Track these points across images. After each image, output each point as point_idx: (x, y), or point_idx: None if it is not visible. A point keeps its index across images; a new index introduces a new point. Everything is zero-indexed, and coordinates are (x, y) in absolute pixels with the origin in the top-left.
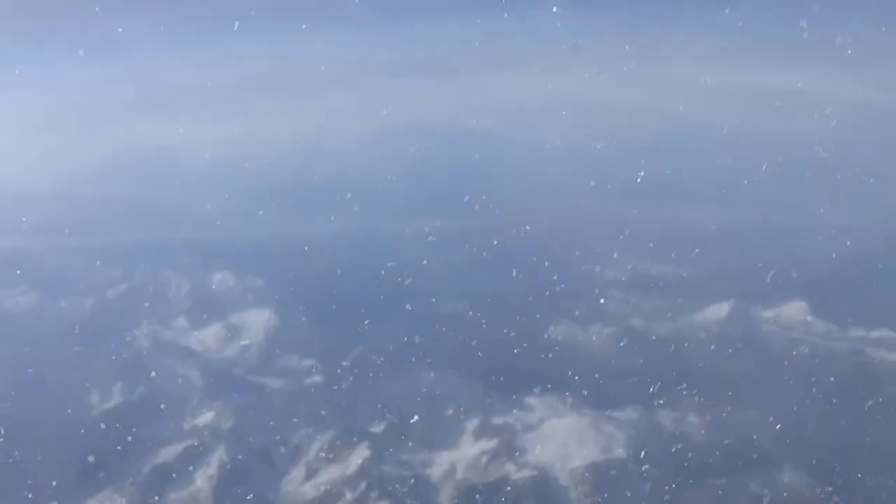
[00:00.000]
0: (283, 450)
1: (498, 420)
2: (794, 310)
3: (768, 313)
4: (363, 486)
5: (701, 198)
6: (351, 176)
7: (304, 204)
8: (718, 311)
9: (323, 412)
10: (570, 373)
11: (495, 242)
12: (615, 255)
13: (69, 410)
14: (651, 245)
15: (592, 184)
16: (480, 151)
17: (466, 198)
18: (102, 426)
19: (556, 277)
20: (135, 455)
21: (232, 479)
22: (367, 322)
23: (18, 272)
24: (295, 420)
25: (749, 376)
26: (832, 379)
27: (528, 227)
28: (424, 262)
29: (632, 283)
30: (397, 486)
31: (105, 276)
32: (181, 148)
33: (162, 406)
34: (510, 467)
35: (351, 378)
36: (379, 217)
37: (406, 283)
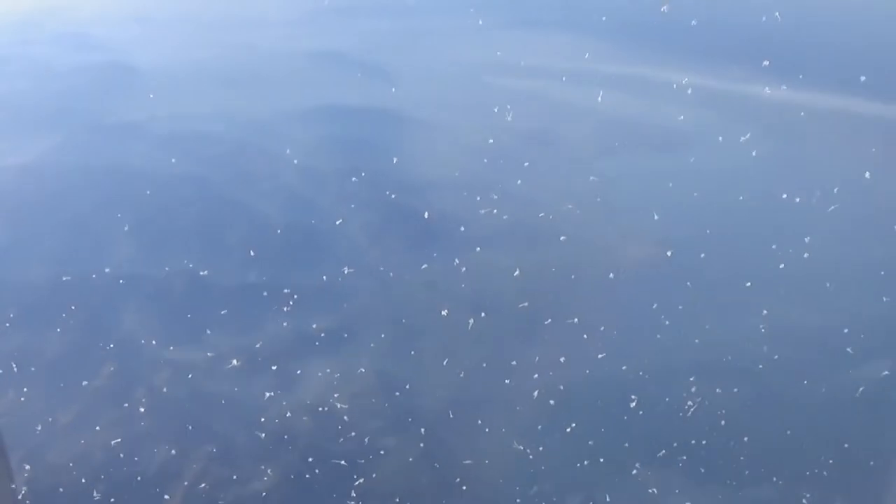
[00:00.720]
0: None
1: (604, 497)
2: None
3: None
4: None
5: (836, 226)
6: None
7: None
8: (876, 370)
9: (399, 486)
10: (693, 441)
11: (602, 279)
12: (742, 298)
13: (89, 472)
14: (791, 286)
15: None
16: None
17: (549, 217)
18: (135, 496)
19: (675, 323)
20: None
21: None
22: (454, 375)
23: (52, 311)
24: (367, 499)
25: None
26: None
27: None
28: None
29: (770, 333)
30: None
31: (134, 314)
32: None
33: (205, 474)
34: None
35: (433, 445)
36: (443, 239)
37: (494, 323)
